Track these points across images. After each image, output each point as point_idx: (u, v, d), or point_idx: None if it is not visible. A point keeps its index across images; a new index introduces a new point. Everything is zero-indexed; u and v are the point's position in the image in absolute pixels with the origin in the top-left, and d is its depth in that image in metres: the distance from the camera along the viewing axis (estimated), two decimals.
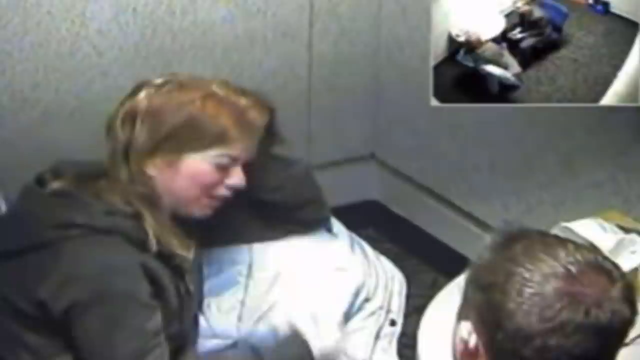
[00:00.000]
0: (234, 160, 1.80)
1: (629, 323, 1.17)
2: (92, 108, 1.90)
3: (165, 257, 1.76)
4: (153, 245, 1.73)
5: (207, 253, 2.00)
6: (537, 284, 1.15)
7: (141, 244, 1.72)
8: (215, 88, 1.81)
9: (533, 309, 1.14)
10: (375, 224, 3.06)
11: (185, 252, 1.79)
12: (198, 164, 1.78)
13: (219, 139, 1.78)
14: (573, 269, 1.15)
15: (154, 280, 1.73)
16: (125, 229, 1.72)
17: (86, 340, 1.68)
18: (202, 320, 1.97)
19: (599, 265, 1.17)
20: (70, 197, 1.74)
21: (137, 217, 1.74)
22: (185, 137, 1.77)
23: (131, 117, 1.78)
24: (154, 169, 1.78)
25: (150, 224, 1.74)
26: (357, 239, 2.22)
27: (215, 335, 1.96)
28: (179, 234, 1.80)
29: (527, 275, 1.16)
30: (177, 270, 1.80)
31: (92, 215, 1.71)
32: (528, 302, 1.15)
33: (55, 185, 1.76)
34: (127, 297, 1.68)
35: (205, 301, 1.99)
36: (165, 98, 1.79)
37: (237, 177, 1.82)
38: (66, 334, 1.69)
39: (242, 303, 1.99)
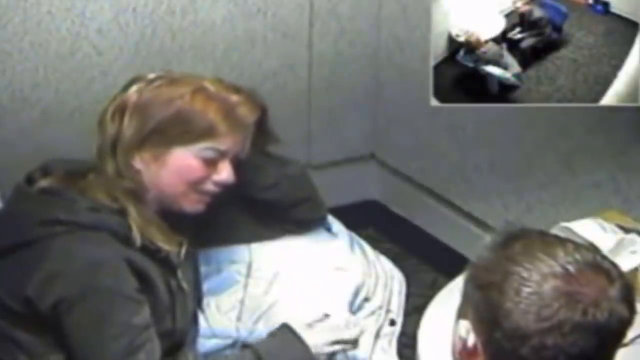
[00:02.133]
0: (221, 154, 1.78)
1: (627, 323, 1.16)
2: (92, 108, 1.89)
3: (150, 251, 1.75)
4: (137, 239, 1.72)
5: (205, 252, 2.00)
6: (535, 283, 1.15)
7: (127, 240, 1.72)
8: (206, 84, 1.80)
9: (531, 308, 1.14)
10: (375, 224, 3.06)
11: (171, 247, 1.78)
12: (185, 158, 1.77)
13: (206, 132, 1.76)
14: (571, 268, 1.15)
15: (141, 276, 1.72)
16: (111, 224, 1.71)
17: (75, 336, 1.67)
18: (201, 319, 1.97)
19: (598, 265, 1.17)
20: (56, 195, 1.74)
21: (122, 212, 1.74)
22: (173, 130, 1.76)
23: (121, 111, 1.77)
24: (141, 163, 1.77)
25: (134, 219, 1.73)
26: (356, 238, 2.22)
27: (214, 335, 1.96)
28: (165, 229, 1.79)
29: (525, 274, 1.15)
30: (166, 265, 1.79)
31: (76, 212, 1.71)
32: (526, 301, 1.14)
33: (43, 183, 1.76)
34: (113, 292, 1.68)
35: (205, 300, 1.99)
36: (155, 92, 1.78)
37: (225, 173, 1.79)
38: (56, 332, 1.68)
39: (242, 302, 1.99)
